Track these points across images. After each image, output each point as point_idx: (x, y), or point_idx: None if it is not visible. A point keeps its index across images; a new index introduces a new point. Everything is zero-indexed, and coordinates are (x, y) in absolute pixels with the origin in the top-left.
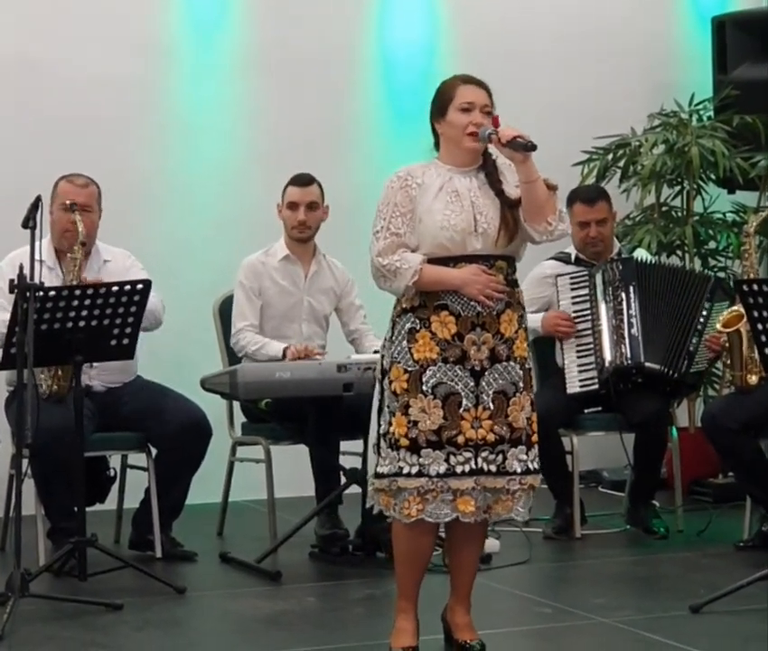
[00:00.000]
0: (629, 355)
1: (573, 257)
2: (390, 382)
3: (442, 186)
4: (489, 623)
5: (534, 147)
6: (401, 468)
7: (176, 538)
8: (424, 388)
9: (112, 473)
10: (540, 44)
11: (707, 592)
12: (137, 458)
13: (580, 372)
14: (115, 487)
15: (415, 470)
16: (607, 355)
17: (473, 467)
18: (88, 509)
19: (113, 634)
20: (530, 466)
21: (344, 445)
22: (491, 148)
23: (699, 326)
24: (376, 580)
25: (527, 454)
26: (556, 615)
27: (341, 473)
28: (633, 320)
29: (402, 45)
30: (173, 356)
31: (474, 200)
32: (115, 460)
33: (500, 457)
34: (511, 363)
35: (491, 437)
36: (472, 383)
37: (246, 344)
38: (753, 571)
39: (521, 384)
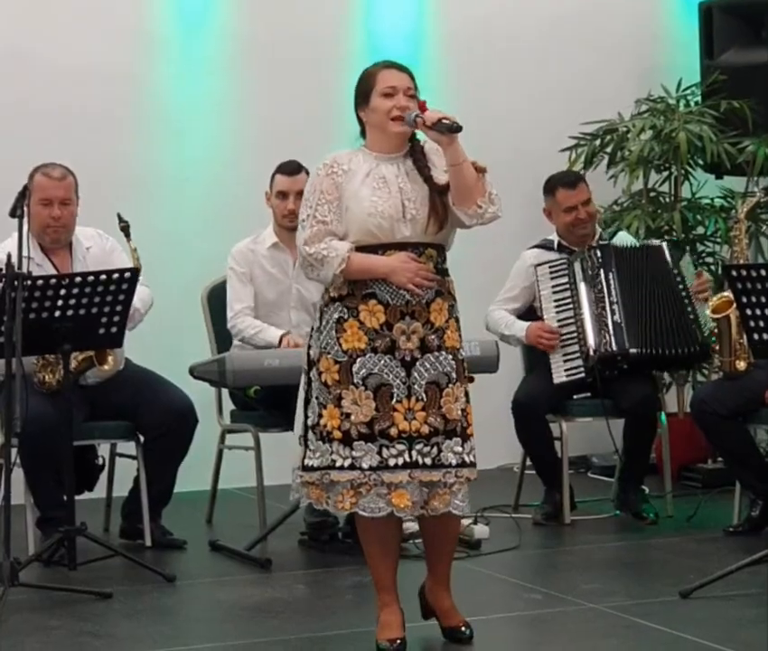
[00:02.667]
0: (613, 343)
1: (555, 243)
2: (320, 373)
3: (369, 172)
4: (479, 609)
5: (459, 128)
6: (334, 461)
7: (165, 526)
8: (355, 379)
9: (101, 461)
10: (527, 31)
11: (697, 578)
12: (126, 447)
13: (565, 361)
14: (104, 476)
15: (347, 463)
16: (591, 344)
17: (407, 459)
18: (76, 498)
19: (103, 623)
20: (466, 458)
21: None
22: (420, 134)
23: (684, 292)
24: (365, 567)
25: (462, 446)
26: (546, 601)
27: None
28: (615, 307)
29: (389, 33)
30: (163, 344)
31: (402, 186)
32: (103, 449)
33: (434, 450)
34: (443, 353)
35: (425, 429)
36: (403, 374)
37: (244, 327)
38: (743, 556)
39: (454, 375)
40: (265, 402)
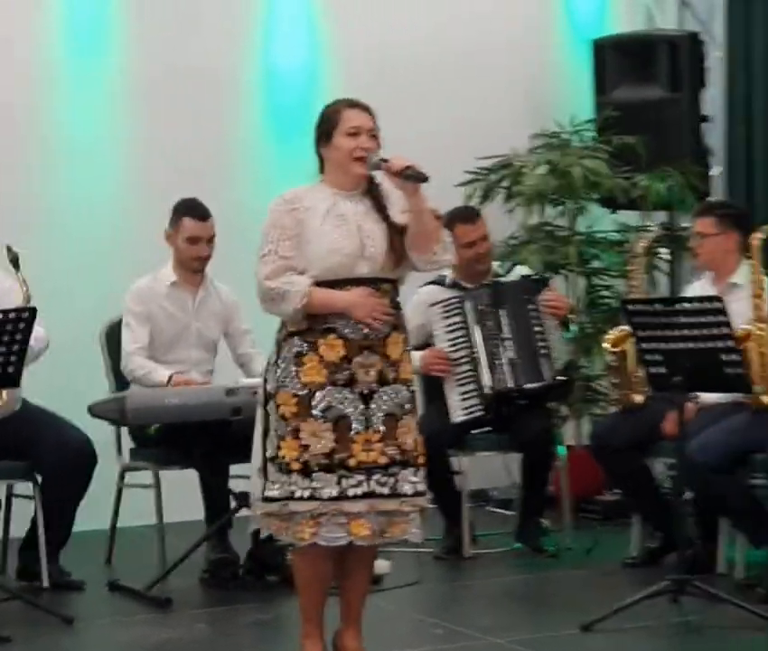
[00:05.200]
0: (507, 379)
1: (448, 280)
2: (278, 407)
3: (328, 210)
4: (381, 645)
5: (426, 179)
6: (293, 492)
7: (64, 567)
8: (314, 412)
9: None
10: (422, 66)
11: (597, 610)
12: (23, 487)
13: (463, 399)
14: None
15: (307, 494)
16: (487, 381)
17: (366, 489)
18: None
19: None
20: (419, 488)
21: (234, 468)
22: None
23: (537, 327)
24: (267, 604)
25: (416, 475)
26: (447, 635)
27: (231, 497)
28: (507, 342)
29: (285, 67)
30: (59, 382)
31: (361, 224)
32: None
33: (392, 480)
34: (398, 385)
35: (382, 459)
36: (362, 406)
37: (134, 368)
38: (642, 588)
39: (408, 406)
40: (165, 440)
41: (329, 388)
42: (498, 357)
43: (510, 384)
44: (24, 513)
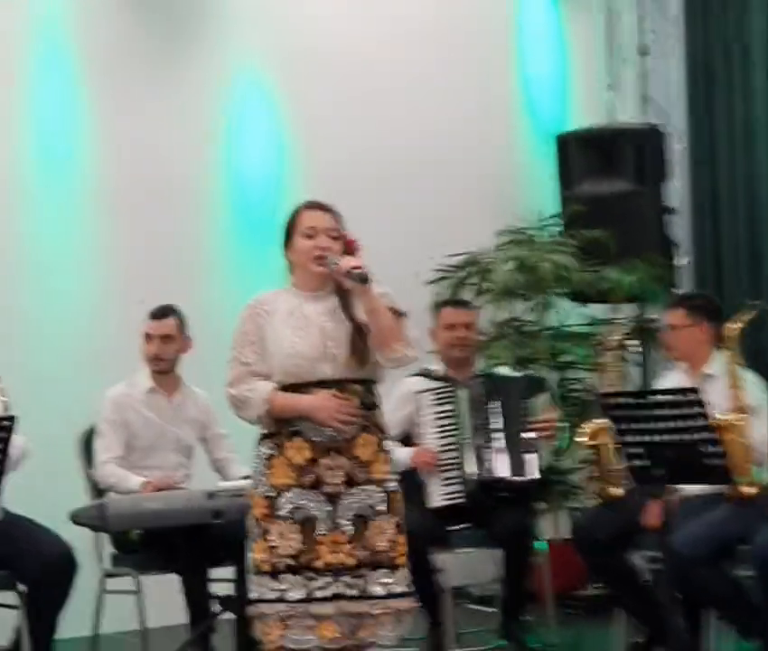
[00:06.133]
0: (493, 469)
1: (436, 373)
2: (252, 508)
3: (292, 311)
4: None
5: (366, 280)
6: (263, 594)
7: None
8: (281, 513)
9: None
10: (387, 166)
11: None
12: (5, 596)
13: (444, 485)
14: None
15: (275, 595)
16: (472, 469)
17: (334, 591)
18: None
19: None
20: (395, 589)
21: (218, 572)
22: None
23: (527, 425)
24: None
25: (391, 576)
26: None
27: (215, 600)
28: (498, 434)
29: (251, 174)
30: (37, 490)
31: (324, 324)
32: None
33: (361, 581)
34: (371, 486)
35: (350, 561)
36: (329, 508)
37: (106, 476)
38: None
39: (382, 507)
40: (146, 544)
41: (296, 490)
42: (486, 447)
43: (497, 474)
44: (6, 622)
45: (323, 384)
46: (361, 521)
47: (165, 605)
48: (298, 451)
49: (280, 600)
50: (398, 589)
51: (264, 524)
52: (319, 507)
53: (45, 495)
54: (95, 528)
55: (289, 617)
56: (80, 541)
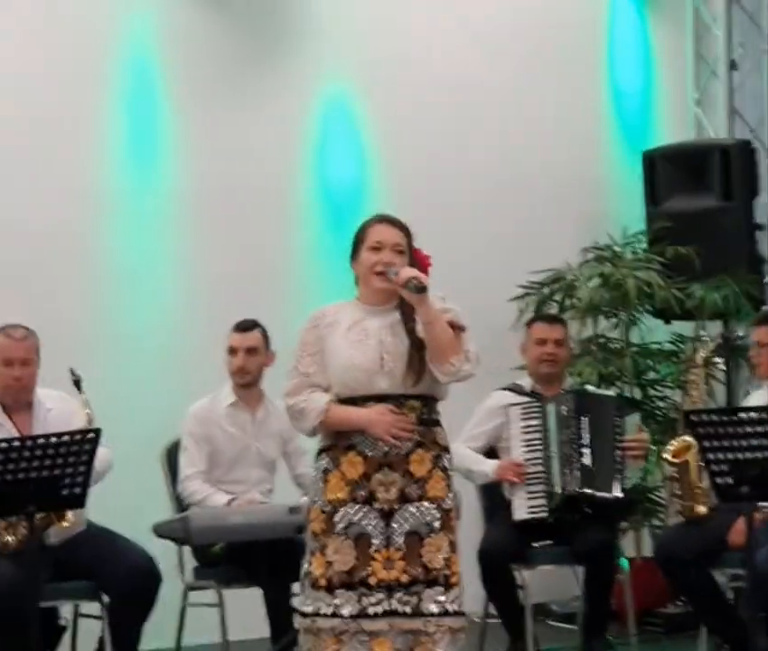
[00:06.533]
0: (580, 484)
1: (526, 388)
2: (310, 522)
3: (351, 325)
4: None
5: (423, 290)
6: (319, 608)
7: None
8: (336, 529)
9: (63, 622)
10: (472, 182)
11: None
12: (89, 607)
13: (529, 498)
14: (67, 636)
15: (330, 610)
16: (558, 483)
17: (387, 608)
18: None
19: None
20: (449, 607)
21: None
22: None
23: (617, 443)
24: None
25: (444, 595)
26: None
27: (296, 614)
28: (585, 450)
29: (337, 184)
30: (122, 502)
31: (383, 339)
32: (66, 609)
33: (414, 599)
34: (425, 503)
35: (404, 577)
36: (382, 524)
37: (190, 493)
38: None
39: (437, 525)
40: (229, 558)
41: (350, 504)
42: (573, 462)
43: (583, 489)
44: (90, 632)
45: (381, 399)
46: (416, 538)
47: (247, 618)
48: (352, 465)
49: (334, 616)
50: (452, 608)
51: (322, 539)
52: (372, 523)
53: (129, 507)
54: (178, 541)
55: (343, 632)
56: (163, 554)
